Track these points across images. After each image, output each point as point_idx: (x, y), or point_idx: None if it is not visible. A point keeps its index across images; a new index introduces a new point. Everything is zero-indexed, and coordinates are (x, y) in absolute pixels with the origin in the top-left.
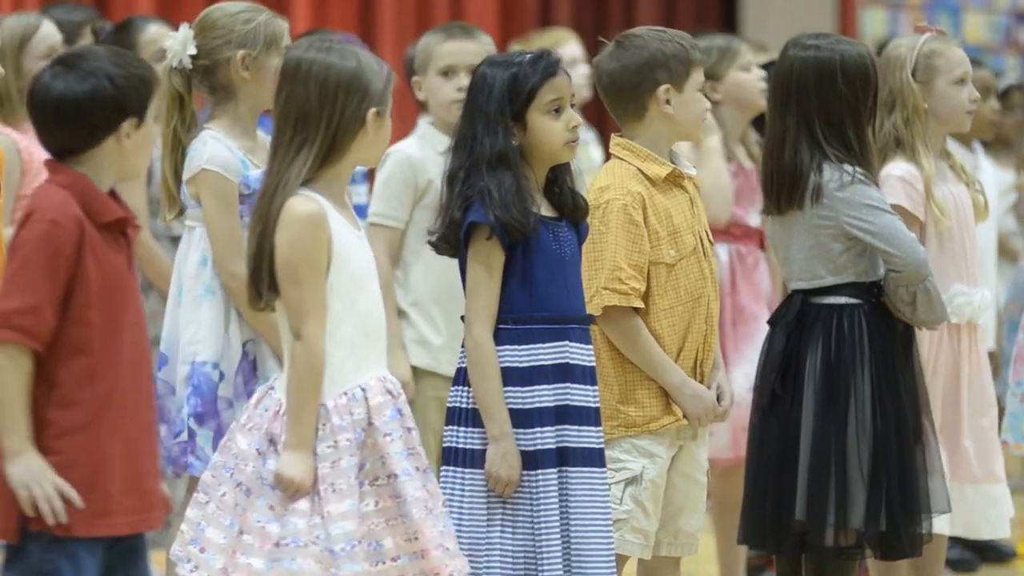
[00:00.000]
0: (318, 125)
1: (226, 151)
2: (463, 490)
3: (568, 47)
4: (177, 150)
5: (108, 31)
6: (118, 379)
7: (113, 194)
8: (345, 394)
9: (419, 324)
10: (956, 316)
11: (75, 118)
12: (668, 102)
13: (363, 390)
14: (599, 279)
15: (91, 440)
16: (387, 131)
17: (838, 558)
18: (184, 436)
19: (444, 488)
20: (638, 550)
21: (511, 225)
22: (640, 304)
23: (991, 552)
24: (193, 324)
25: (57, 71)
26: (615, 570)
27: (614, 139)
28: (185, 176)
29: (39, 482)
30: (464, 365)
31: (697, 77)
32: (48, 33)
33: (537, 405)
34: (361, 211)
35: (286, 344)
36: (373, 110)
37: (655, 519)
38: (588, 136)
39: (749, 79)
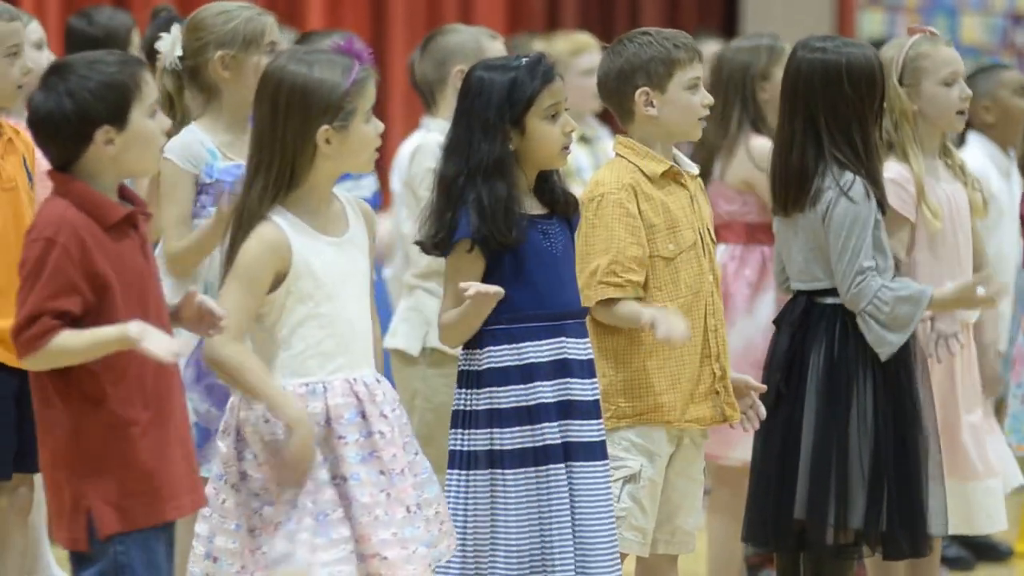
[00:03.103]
0: (272, 148)
1: (194, 142)
2: (467, 492)
3: (590, 55)
4: None
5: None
6: (158, 369)
7: (123, 189)
8: (306, 385)
9: (427, 302)
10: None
11: (45, 136)
12: (651, 104)
13: (324, 388)
14: (587, 272)
15: (148, 431)
16: (360, 137)
17: (837, 557)
18: None
19: (448, 492)
20: (636, 548)
21: (492, 238)
22: (640, 294)
23: (988, 551)
24: None
25: (39, 87)
26: (619, 565)
27: (616, 138)
28: None
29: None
30: (466, 368)
31: (683, 76)
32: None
33: (540, 401)
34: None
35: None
36: (324, 128)
37: (653, 517)
38: (602, 133)
39: None
